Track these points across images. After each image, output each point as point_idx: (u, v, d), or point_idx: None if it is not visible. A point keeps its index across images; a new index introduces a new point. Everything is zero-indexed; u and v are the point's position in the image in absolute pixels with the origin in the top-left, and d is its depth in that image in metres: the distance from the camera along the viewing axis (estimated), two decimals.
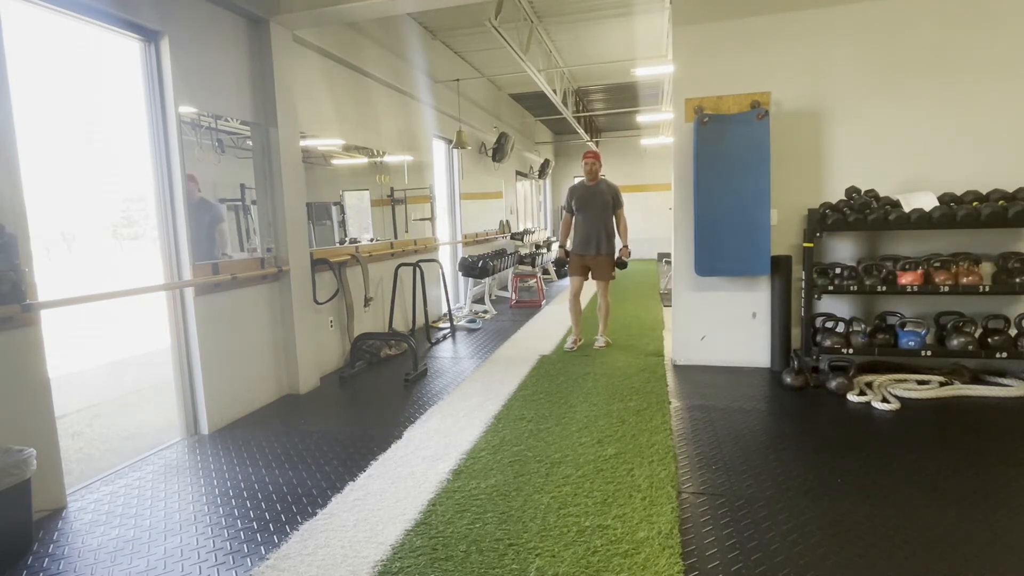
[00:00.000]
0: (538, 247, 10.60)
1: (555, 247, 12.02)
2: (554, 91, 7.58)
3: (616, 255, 4.90)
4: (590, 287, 7.50)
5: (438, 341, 5.65)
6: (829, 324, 3.91)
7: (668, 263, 7.30)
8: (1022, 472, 2.54)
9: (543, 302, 7.84)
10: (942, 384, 3.67)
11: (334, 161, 4.98)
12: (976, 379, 3.74)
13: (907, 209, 3.65)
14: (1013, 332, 3.64)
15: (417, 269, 5.65)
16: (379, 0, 3.70)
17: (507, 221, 10.15)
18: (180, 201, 3.25)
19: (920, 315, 3.87)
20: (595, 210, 4.77)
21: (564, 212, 5.01)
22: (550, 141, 14.43)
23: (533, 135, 12.97)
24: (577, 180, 5.04)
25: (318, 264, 4.38)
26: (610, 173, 15.25)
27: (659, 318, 6.37)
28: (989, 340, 3.61)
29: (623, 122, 13.26)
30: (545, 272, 10.43)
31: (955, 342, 3.60)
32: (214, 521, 2.38)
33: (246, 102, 3.74)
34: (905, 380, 3.75)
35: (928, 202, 3.64)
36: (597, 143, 13.97)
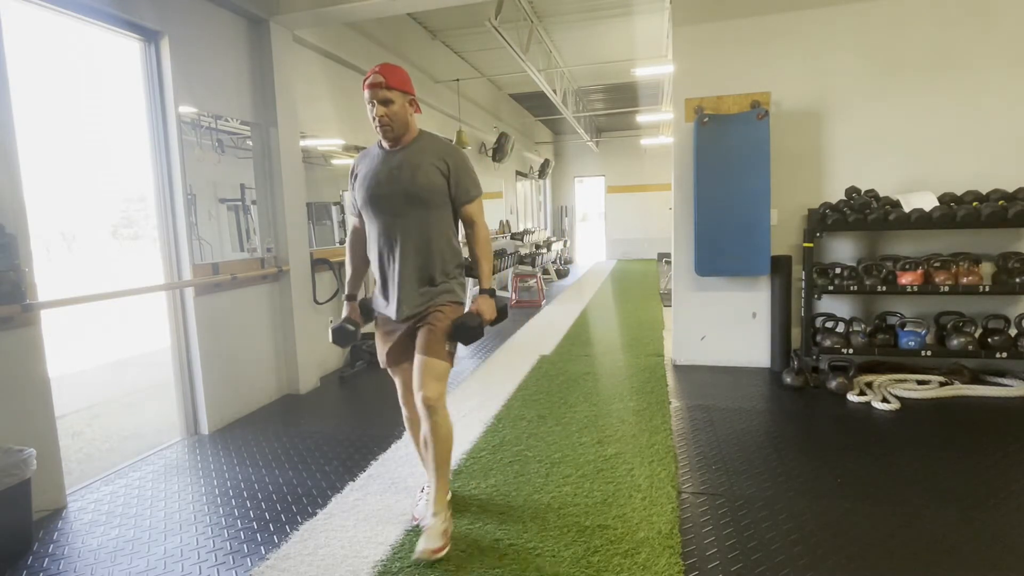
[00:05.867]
0: (538, 247, 10.60)
1: (555, 247, 12.04)
2: (554, 91, 7.58)
3: (461, 311, 2.18)
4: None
5: None
6: (829, 324, 3.91)
7: (668, 263, 7.31)
8: (1022, 472, 2.54)
9: (543, 302, 7.85)
10: (942, 384, 3.67)
11: (334, 161, 4.99)
12: (976, 379, 3.74)
13: (907, 209, 3.65)
14: (1013, 332, 3.63)
15: None
16: (379, 0, 3.70)
17: (507, 221, 10.15)
18: (180, 201, 3.25)
19: (920, 315, 3.87)
20: (397, 205, 2.07)
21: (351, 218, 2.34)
22: (550, 141, 14.44)
23: (533, 135, 12.97)
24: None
25: (318, 264, 4.38)
26: (610, 173, 15.35)
27: (659, 318, 6.37)
28: (989, 340, 3.61)
29: (623, 122, 13.27)
30: (545, 272, 10.43)
31: (955, 342, 3.59)
32: (214, 521, 2.38)
33: (246, 102, 3.74)
34: (905, 380, 3.75)
35: (928, 202, 3.64)
36: (597, 143, 13.97)
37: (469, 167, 2.15)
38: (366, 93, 2.02)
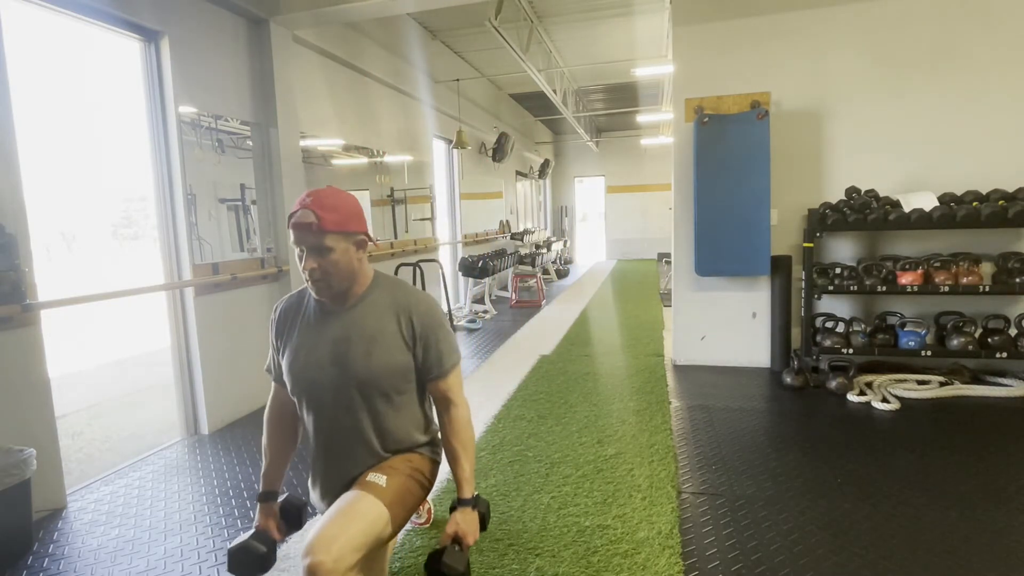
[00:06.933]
0: (538, 247, 10.61)
1: (555, 247, 12.04)
2: (554, 91, 7.58)
3: (430, 468, 1.60)
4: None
5: None
6: (829, 324, 3.91)
7: (668, 263, 7.31)
8: (1022, 472, 2.54)
9: (543, 302, 7.85)
10: (942, 384, 3.67)
11: (334, 161, 4.98)
12: (976, 379, 3.74)
13: (907, 209, 3.65)
14: (1013, 332, 3.63)
15: (417, 269, 5.65)
16: (379, 0, 3.70)
17: (507, 221, 10.15)
18: (180, 201, 3.25)
19: (920, 315, 3.87)
20: (345, 398, 1.48)
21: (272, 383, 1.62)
22: (550, 141, 14.43)
23: (533, 135, 12.97)
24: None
25: None
26: (610, 173, 15.33)
27: (659, 318, 6.37)
28: (989, 340, 3.60)
29: (623, 122, 13.26)
30: (545, 272, 10.44)
31: (955, 342, 3.59)
32: (214, 521, 2.38)
33: (246, 102, 3.74)
34: (905, 380, 3.74)
35: (928, 202, 3.64)
36: (597, 143, 13.97)
37: (444, 325, 1.54)
38: (291, 234, 1.40)
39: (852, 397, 3.51)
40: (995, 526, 2.12)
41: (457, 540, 1.42)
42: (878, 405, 3.37)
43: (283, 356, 1.53)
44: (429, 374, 1.53)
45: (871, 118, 3.93)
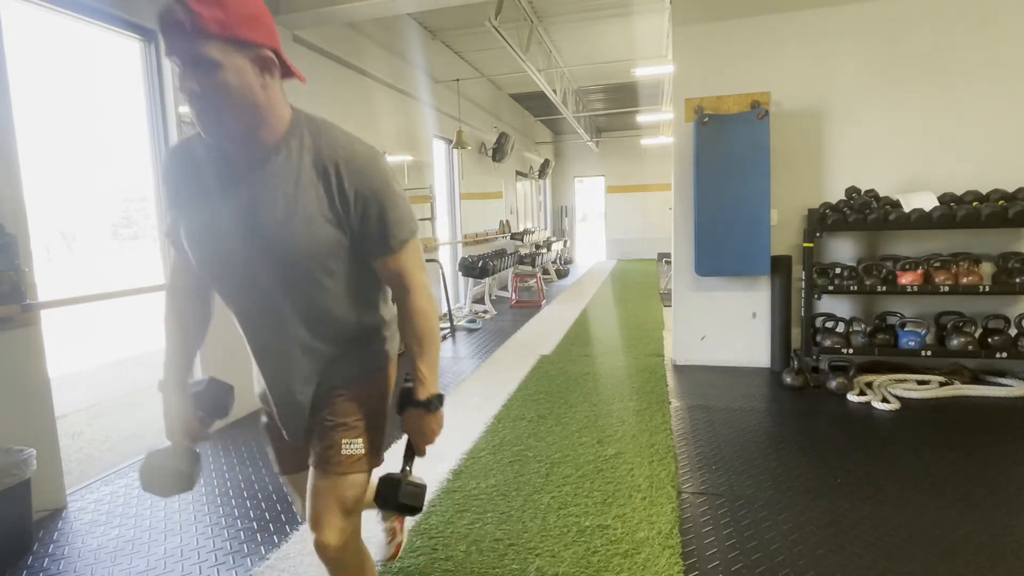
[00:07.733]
0: (538, 247, 10.61)
1: (555, 247, 12.04)
2: (554, 91, 7.58)
3: (380, 386, 1.36)
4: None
5: None
6: (829, 324, 3.91)
7: (668, 263, 7.30)
8: (1022, 472, 2.54)
9: (543, 302, 7.85)
10: (942, 384, 3.67)
11: None
12: (976, 379, 3.74)
13: (907, 209, 3.65)
14: (1013, 332, 3.63)
15: None
16: (379, 0, 3.70)
17: (507, 221, 10.16)
18: None
19: (920, 315, 3.87)
20: (261, 277, 1.15)
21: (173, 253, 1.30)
22: (550, 141, 14.44)
23: (533, 135, 12.97)
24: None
25: None
26: (610, 173, 15.34)
27: (659, 318, 6.37)
28: (989, 340, 3.60)
29: (623, 122, 13.27)
30: (545, 272, 10.44)
31: (955, 342, 3.59)
32: (214, 521, 2.38)
33: None
34: (905, 380, 3.74)
35: (928, 202, 3.65)
36: (597, 143, 13.96)
37: (389, 186, 1.15)
38: (164, 45, 1.02)
39: (852, 397, 3.51)
40: (995, 526, 2.12)
41: (409, 454, 1.29)
42: (878, 405, 3.37)
43: (181, 225, 1.20)
44: (371, 251, 1.18)
45: (871, 118, 3.93)
